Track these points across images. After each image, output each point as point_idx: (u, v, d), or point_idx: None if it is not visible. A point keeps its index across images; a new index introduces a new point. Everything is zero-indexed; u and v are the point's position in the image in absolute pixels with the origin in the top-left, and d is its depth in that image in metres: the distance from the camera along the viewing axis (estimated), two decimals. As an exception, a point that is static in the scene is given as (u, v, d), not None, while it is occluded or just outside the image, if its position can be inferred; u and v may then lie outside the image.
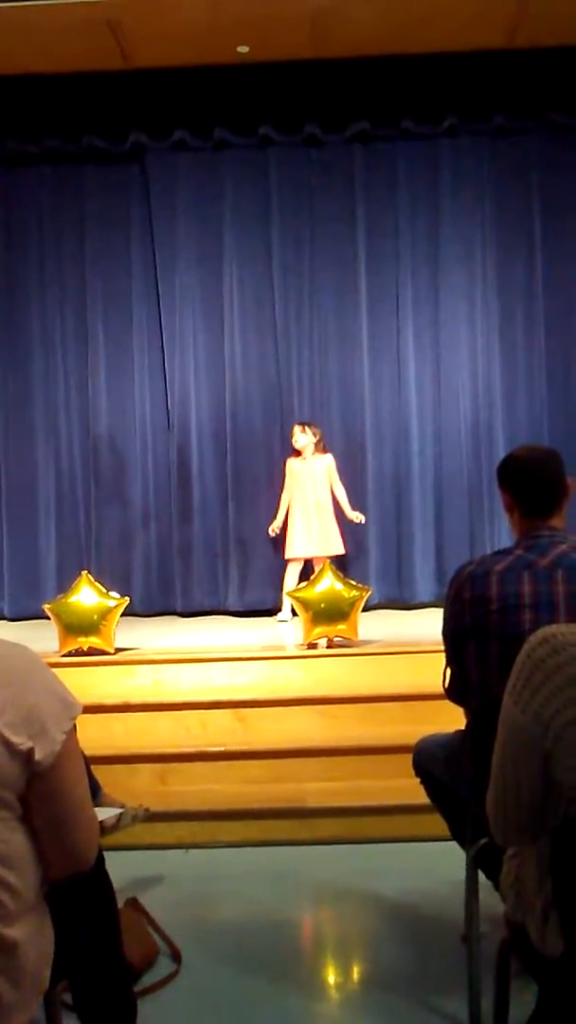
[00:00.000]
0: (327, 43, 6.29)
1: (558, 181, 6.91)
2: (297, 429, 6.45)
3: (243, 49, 6.35)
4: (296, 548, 6.36)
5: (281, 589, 6.46)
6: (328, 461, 6.46)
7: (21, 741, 1.49)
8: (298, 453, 6.45)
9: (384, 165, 6.94)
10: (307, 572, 6.30)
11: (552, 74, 6.55)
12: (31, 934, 1.55)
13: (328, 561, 5.51)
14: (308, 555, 6.35)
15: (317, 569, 6.11)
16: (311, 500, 6.36)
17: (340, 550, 6.38)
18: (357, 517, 6.46)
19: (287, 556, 6.42)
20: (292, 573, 6.39)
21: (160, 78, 6.60)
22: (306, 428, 6.45)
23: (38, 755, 1.50)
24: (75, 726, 1.59)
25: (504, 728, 1.57)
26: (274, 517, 6.50)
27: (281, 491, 6.52)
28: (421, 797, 2.76)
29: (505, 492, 2.34)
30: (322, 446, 6.48)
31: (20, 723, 1.50)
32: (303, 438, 6.40)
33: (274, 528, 6.48)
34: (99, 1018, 1.92)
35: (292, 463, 6.46)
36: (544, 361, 6.98)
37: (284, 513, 6.45)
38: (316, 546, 6.33)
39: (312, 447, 6.42)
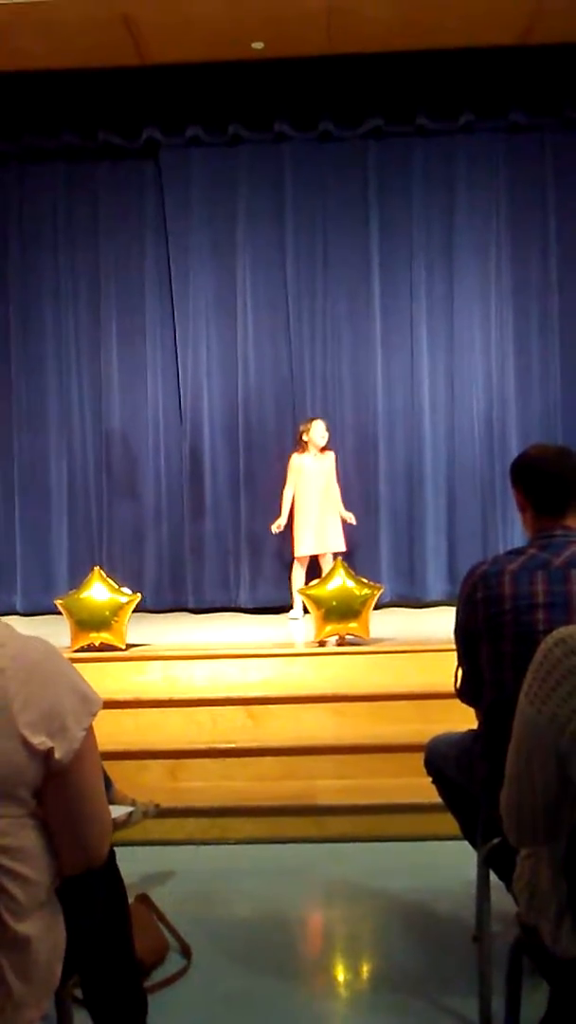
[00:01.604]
0: (342, 39, 6.27)
1: (574, 179, 6.87)
2: (323, 425, 6.40)
3: (258, 45, 6.33)
4: (306, 546, 6.34)
5: (290, 587, 6.46)
6: (332, 458, 6.46)
7: (41, 741, 1.48)
8: (303, 449, 6.41)
9: (399, 162, 6.92)
10: (313, 569, 6.30)
11: (568, 71, 6.51)
12: (43, 930, 1.55)
13: (340, 559, 5.50)
14: (319, 552, 6.35)
15: (324, 566, 6.15)
16: (320, 497, 6.34)
17: (343, 547, 6.36)
18: (349, 517, 6.44)
19: (298, 554, 6.40)
20: (300, 570, 6.38)
21: (175, 74, 6.60)
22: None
23: (58, 754, 1.49)
24: (92, 723, 1.58)
25: (520, 728, 1.56)
26: (278, 514, 6.44)
27: (283, 488, 6.46)
28: (432, 796, 2.75)
29: (518, 491, 2.33)
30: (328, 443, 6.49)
31: (40, 722, 1.48)
32: (326, 435, 6.39)
33: (279, 525, 6.41)
34: (110, 1013, 1.92)
35: (300, 459, 6.40)
36: (558, 358, 6.95)
37: (288, 510, 6.42)
38: (324, 543, 6.32)
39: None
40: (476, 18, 6.03)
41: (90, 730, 1.56)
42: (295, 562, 6.43)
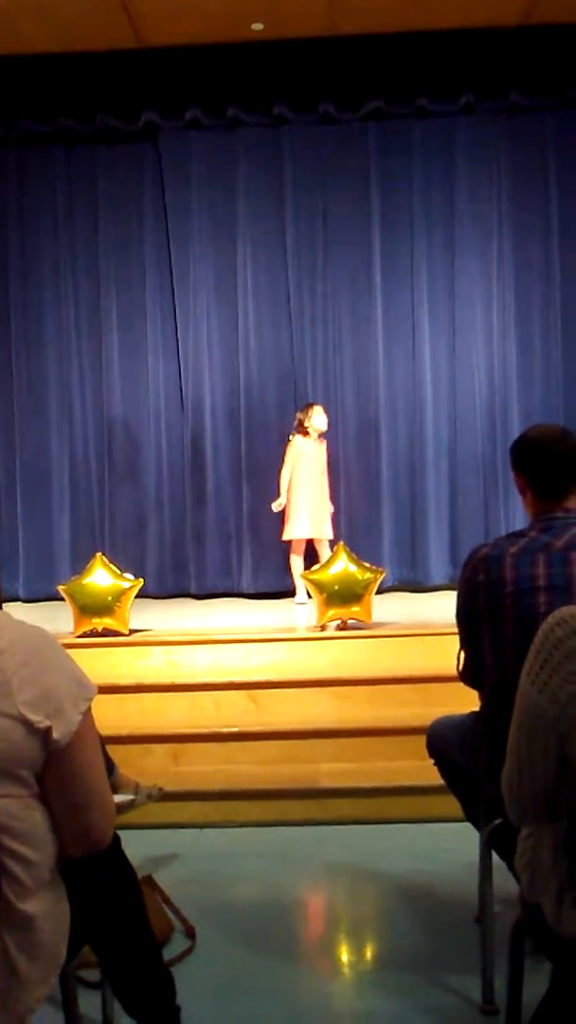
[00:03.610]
0: (342, 20, 6.23)
1: (575, 159, 6.83)
2: (321, 410, 6.40)
3: (257, 26, 6.29)
4: (300, 529, 6.32)
5: (290, 573, 6.46)
6: (324, 446, 6.46)
7: (39, 719, 1.50)
8: (304, 433, 6.40)
9: (399, 143, 6.88)
10: (310, 555, 6.31)
11: (569, 51, 6.47)
12: (47, 908, 1.57)
13: (342, 543, 5.50)
14: (311, 536, 6.34)
15: (319, 550, 6.17)
16: (317, 482, 6.35)
17: (331, 534, 6.36)
18: (328, 507, 6.46)
19: (290, 536, 6.35)
20: (298, 555, 6.38)
21: (173, 56, 6.56)
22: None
23: (55, 734, 1.51)
24: (90, 708, 1.60)
25: (520, 708, 1.57)
26: (277, 495, 6.41)
27: (281, 468, 6.42)
28: (434, 778, 2.76)
29: (518, 473, 2.32)
30: None
31: (38, 702, 1.50)
32: (325, 419, 6.38)
33: (280, 504, 6.38)
34: (137, 995, 1.94)
35: (301, 443, 6.37)
36: (560, 341, 6.93)
37: (287, 490, 6.39)
38: (317, 528, 6.32)
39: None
40: (477, -2, 6.00)
41: (87, 715, 1.58)
42: (291, 547, 6.42)
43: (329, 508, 6.43)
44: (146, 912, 1.94)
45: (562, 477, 2.23)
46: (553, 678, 1.50)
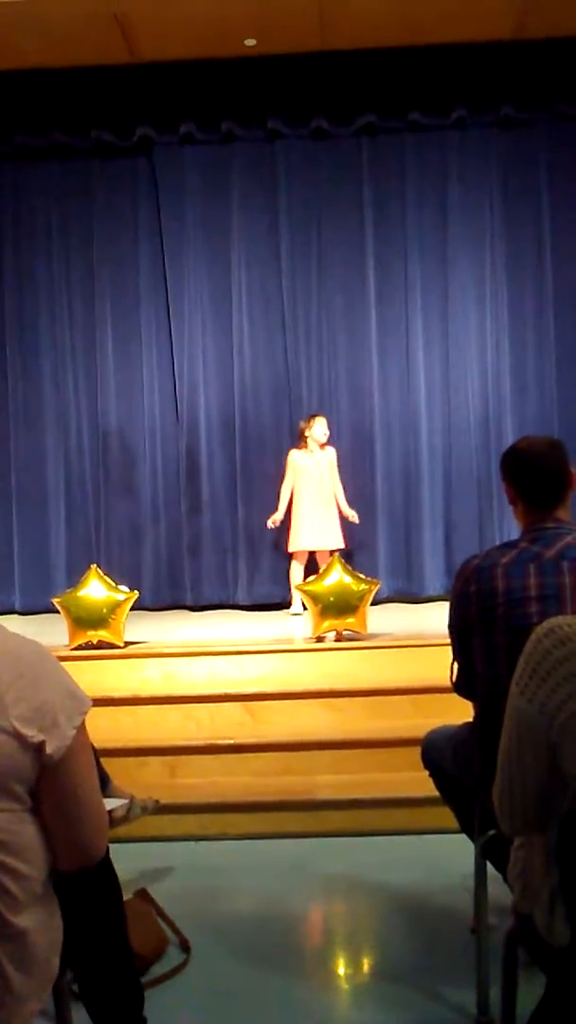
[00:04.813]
0: (335, 35, 6.27)
1: (567, 173, 6.88)
2: (324, 421, 6.41)
3: (250, 42, 6.34)
4: (303, 541, 6.34)
5: (289, 584, 6.47)
6: (332, 454, 6.46)
7: (32, 734, 1.50)
8: (302, 445, 6.42)
9: (392, 158, 6.92)
10: (310, 565, 6.31)
11: (561, 65, 6.52)
12: (40, 922, 1.57)
13: (337, 554, 5.51)
14: (315, 548, 6.34)
15: (321, 562, 6.16)
16: (318, 493, 6.35)
17: (342, 544, 6.36)
18: (352, 515, 6.44)
19: (293, 549, 6.39)
20: (298, 567, 6.38)
21: (167, 71, 6.60)
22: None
23: (49, 749, 1.51)
24: (84, 722, 1.60)
25: (510, 718, 1.58)
26: (275, 509, 6.45)
27: (281, 483, 6.48)
28: (430, 790, 2.77)
29: (508, 485, 2.33)
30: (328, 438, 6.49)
31: (31, 717, 1.50)
32: (327, 432, 6.39)
33: (275, 520, 6.41)
34: (106, 1007, 1.93)
35: (298, 456, 6.41)
36: (554, 353, 6.96)
37: (286, 506, 6.42)
38: (322, 539, 6.31)
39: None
40: (469, 13, 6.04)
41: (81, 729, 1.58)
42: (292, 558, 6.44)
43: (337, 517, 6.39)
44: (126, 926, 1.94)
45: (551, 488, 2.25)
46: (542, 688, 1.51)
